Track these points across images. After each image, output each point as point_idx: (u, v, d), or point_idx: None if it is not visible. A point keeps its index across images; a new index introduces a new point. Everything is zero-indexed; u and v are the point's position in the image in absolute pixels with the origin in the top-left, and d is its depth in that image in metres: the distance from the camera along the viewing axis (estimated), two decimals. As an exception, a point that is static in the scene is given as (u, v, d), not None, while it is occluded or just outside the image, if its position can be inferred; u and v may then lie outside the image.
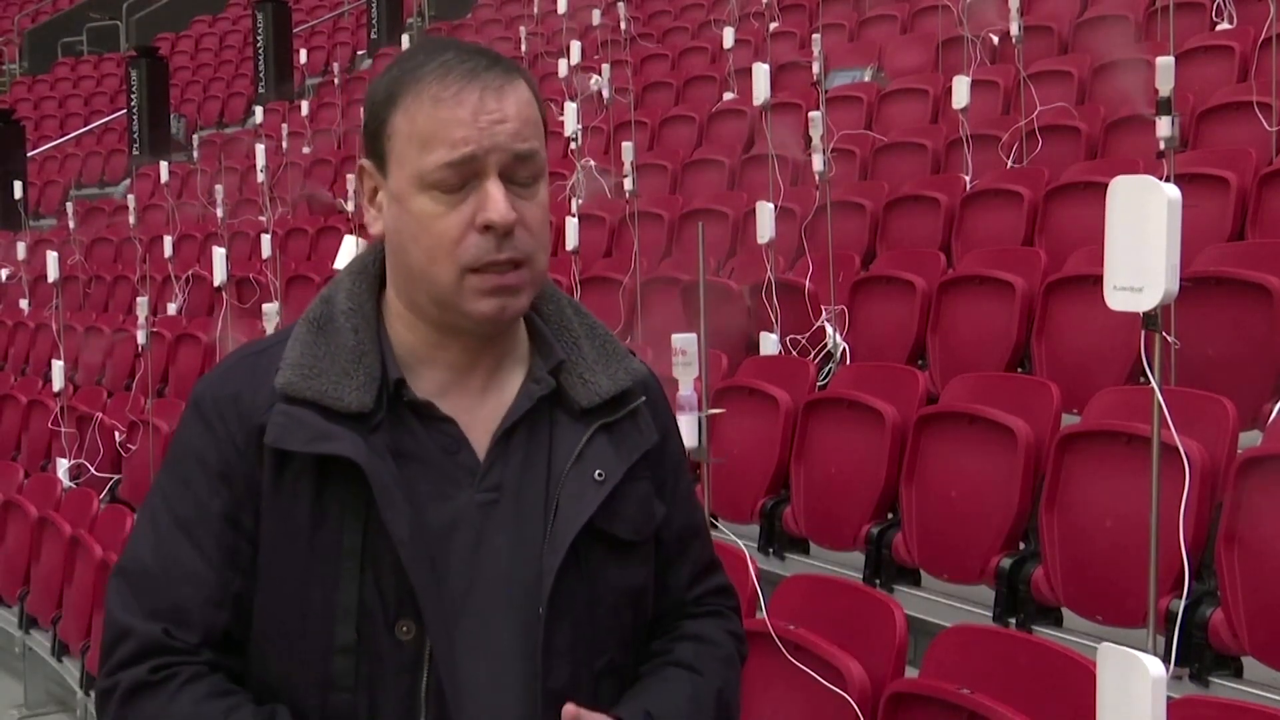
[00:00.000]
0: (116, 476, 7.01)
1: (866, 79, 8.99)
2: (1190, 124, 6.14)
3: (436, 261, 1.55)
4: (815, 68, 7.80)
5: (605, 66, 9.44)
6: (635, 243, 6.67)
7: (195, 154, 14.60)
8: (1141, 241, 2.87)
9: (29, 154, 16.00)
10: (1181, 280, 2.90)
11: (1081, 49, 7.83)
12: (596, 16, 11.78)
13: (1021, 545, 4.00)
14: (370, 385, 1.58)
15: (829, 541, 4.64)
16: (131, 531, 1.69)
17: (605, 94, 9.32)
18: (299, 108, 14.00)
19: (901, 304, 5.51)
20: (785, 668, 2.98)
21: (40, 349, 9.54)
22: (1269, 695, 3.28)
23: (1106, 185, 2.99)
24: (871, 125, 8.18)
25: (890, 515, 4.42)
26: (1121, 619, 3.57)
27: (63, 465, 7.00)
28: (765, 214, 5.83)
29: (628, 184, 6.90)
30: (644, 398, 1.70)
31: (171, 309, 9.46)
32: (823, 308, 5.59)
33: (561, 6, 11.76)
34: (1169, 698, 1.80)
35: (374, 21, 16.44)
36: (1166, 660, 2.11)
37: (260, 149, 9.94)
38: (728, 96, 9.63)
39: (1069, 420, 4.22)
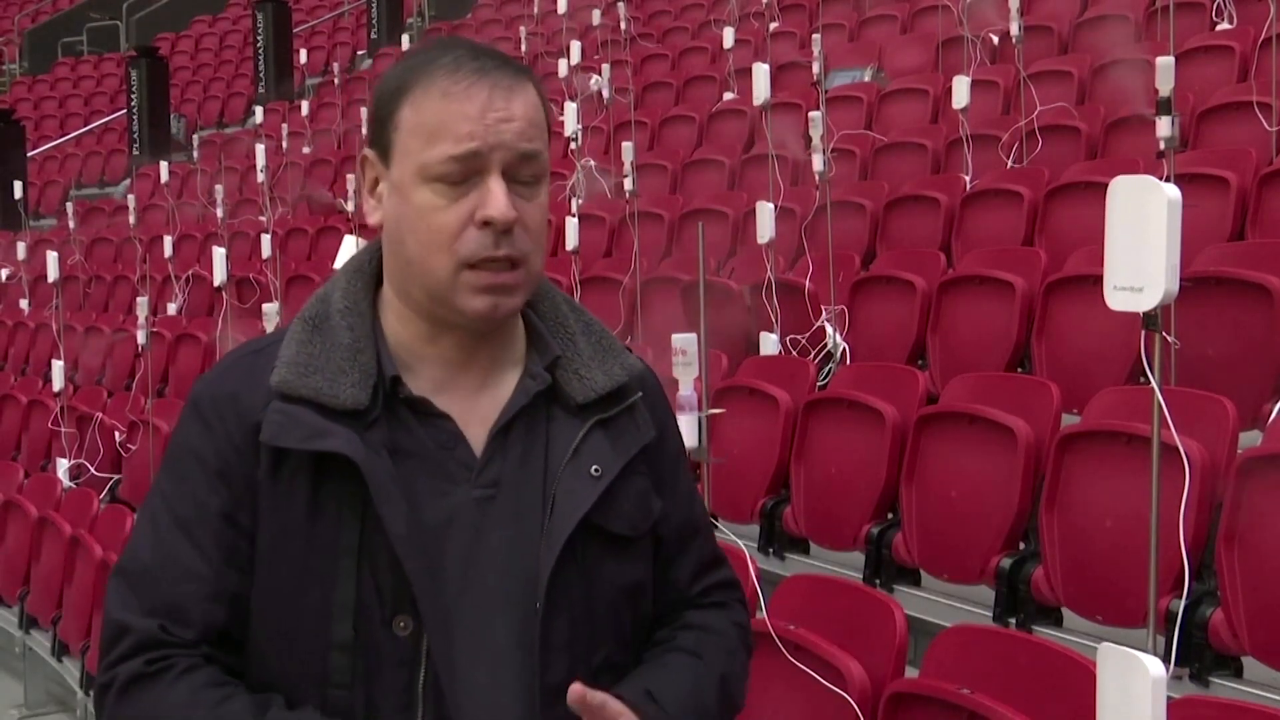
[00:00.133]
0: (116, 476, 7.01)
1: (866, 79, 8.99)
2: (1190, 124, 6.14)
3: (433, 254, 1.56)
4: (815, 68, 7.79)
5: (605, 66, 9.44)
6: (635, 243, 6.67)
7: (195, 154, 14.60)
8: (1141, 241, 2.87)
9: (29, 154, 16.00)
10: (1181, 280, 2.90)
11: (1081, 49, 7.83)
12: (596, 16, 11.78)
13: (1021, 545, 4.00)
14: (366, 382, 1.58)
15: (829, 541, 4.64)
16: (131, 531, 1.69)
17: (605, 94, 9.32)
18: (299, 108, 14.00)
19: (901, 304, 5.51)
20: (785, 668, 2.98)
21: (40, 349, 9.54)
22: (1269, 695, 3.28)
23: (1106, 185, 3.00)
24: (871, 125, 8.17)
25: (890, 515, 4.42)
26: (1121, 619, 3.57)
27: (63, 465, 7.00)
28: (765, 214, 5.83)
29: (628, 184, 6.90)
30: (640, 393, 1.70)
31: (171, 309, 9.45)
32: (823, 308, 5.59)
33: (561, 6, 11.76)
34: (1169, 698, 1.80)
35: (374, 21, 16.44)
36: (1166, 660, 2.11)
37: (260, 149, 9.94)
38: (728, 96, 9.63)
39: (1069, 420, 4.22)
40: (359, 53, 16.73)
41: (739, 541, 3.58)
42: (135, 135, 15.17)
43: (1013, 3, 7.52)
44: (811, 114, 6.17)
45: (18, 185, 12.70)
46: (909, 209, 6.54)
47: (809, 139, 6.15)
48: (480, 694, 1.56)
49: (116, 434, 7.14)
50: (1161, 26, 6.60)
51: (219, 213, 9.73)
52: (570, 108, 8.12)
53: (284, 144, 12.40)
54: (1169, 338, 3.96)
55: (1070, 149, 6.58)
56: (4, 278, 11.46)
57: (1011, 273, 5.19)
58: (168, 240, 10.00)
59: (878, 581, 4.32)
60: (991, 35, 8.27)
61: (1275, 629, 3.30)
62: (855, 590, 3.38)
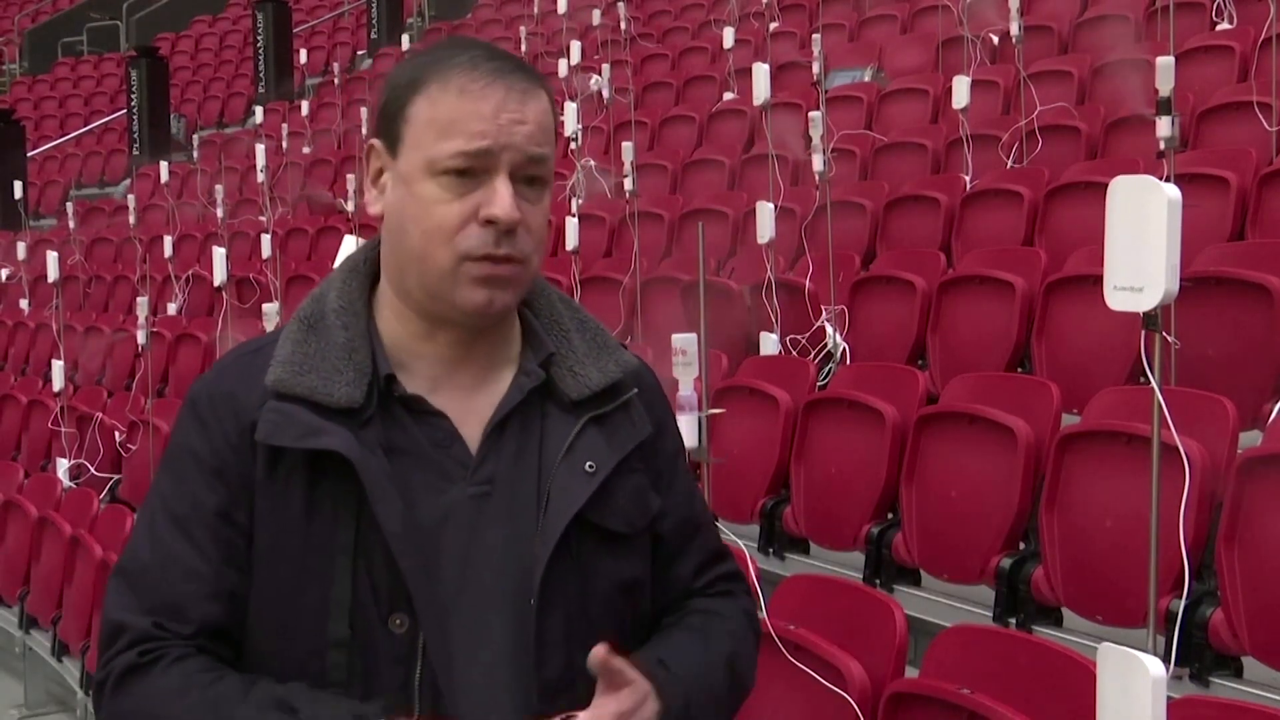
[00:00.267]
0: (116, 476, 7.01)
1: (866, 79, 8.99)
2: (1190, 124, 6.14)
3: (434, 245, 1.57)
4: (815, 68, 7.79)
5: (605, 66, 9.44)
6: (635, 243, 6.67)
7: (195, 154, 14.60)
8: (1141, 241, 2.87)
9: (29, 154, 16.00)
10: (1181, 280, 2.90)
11: (1081, 49, 7.83)
12: (596, 16, 11.78)
13: (1021, 545, 4.00)
14: (360, 381, 1.59)
15: (829, 541, 4.64)
16: (131, 531, 1.70)
17: (605, 94, 9.32)
18: (299, 108, 14.00)
19: (901, 304, 5.51)
20: (785, 668, 2.98)
21: (40, 349, 9.54)
22: (1269, 695, 3.28)
23: (1106, 185, 2.99)
24: (871, 125, 8.17)
25: (890, 515, 4.42)
26: (1121, 619, 3.57)
27: (63, 465, 7.00)
28: (765, 214, 5.82)
29: (628, 184, 6.90)
30: (636, 390, 1.71)
31: (171, 309, 9.45)
32: (823, 308, 5.59)
33: (561, 6, 11.76)
34: (1169, 698, 1.79)
35: (374, 21, 16.44)
36: (1166, 660, 2.11)
37: (260, 149, 9.94)
38: (728, 96, 9.63)
39: (1069, 420, 4.22)
40: (359, 53, 16.73)
41: (739, 541, 3.57)
42: (135, 135, 15.18)
43: (1013, 3, 7.52)
44: (811, 114, 6.17)
45: (18, 185, 12.70)
46: (909, 209, 6.54)
47: (809, 139, 6.15)
48: (476, 690, 1.57)
49: (116, 434, 7.13)
50: (1161, 26, 6.60)
51: (219, 213, 9.73)
52: (570, 108, 8.11)
53: (284, 144, 12.40)
54: (1169, 338, 3.95)
55: (1070, 149, 6.58)
56: (4, 278, 11.46)
57: (1011, 273, 5.19)
58: (168, 240, 9.99)
59: (878, 581, 4.32)
60: (991, 35, 8.26)
61: (1275, 629, 3.30)
62: (855, 590, 3.38)
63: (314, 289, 1.70)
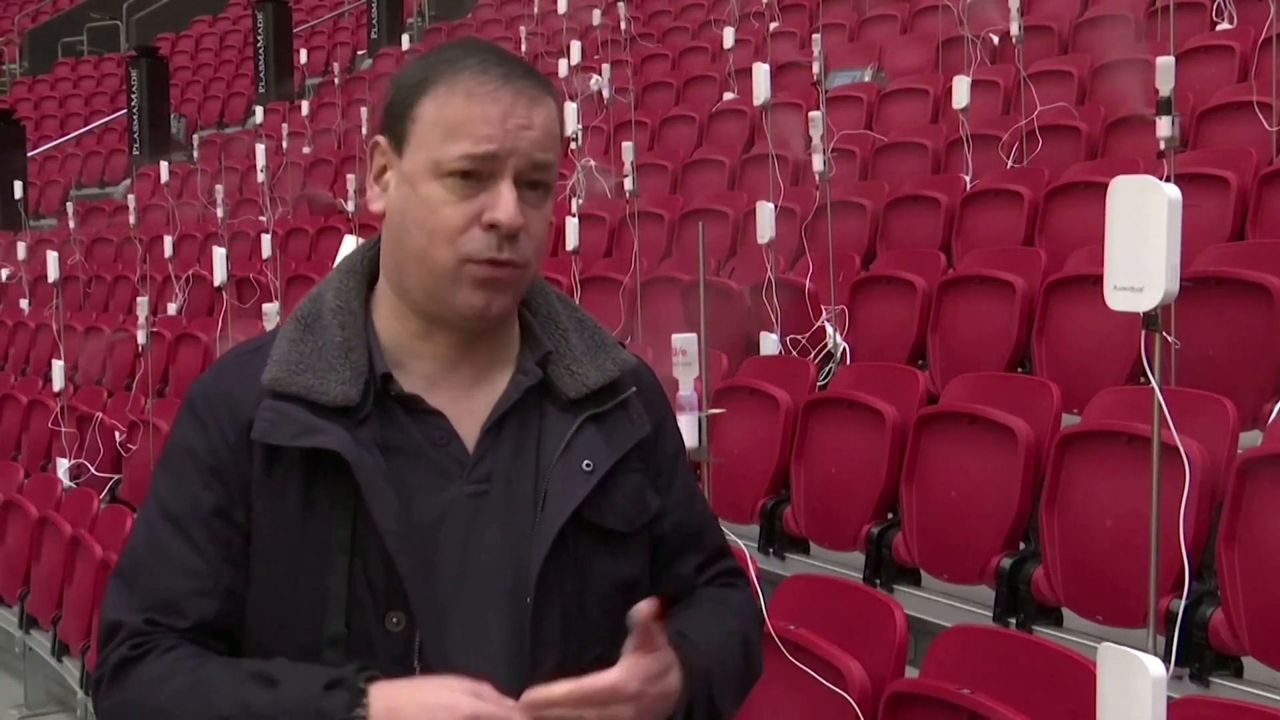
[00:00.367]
0: (116, 476, 7.01)
1: (866, 79, 8.99)
2: (1190, 124, 6.13)
3: (436, 246, 1.58)
4: (815, 68, 7.79)
5: (605, 66, 9.44)
6: (635, 243, 6.67)
7: (195, 154, 14.60)
8: (1141, 241, 2.87)
9: (29, 154, 16.00)
10: (1181, 280, 2.90)
11: (1081, 49, 7.83)
12: (596, 16, 11.78)
13: (1021, 545, 4.00)
14: (356, 379, 1.59)
15: (829, 541, 4.64)
16: (129, 531, 1.70)
17: (605, 94, 9.32)
18: (299, 108, 14.00)
19: (901, 304, 5.51)
20: (785, 668, 2.98)
21: (40, 349, 9.54)
22: (1269, 695, 3.28)
23: (1106, 185, 2.99)
24: (871, 125, 8.17)
25: (890, 515, 4.42)
26: (1121, 619, 3.57)
27: (63, 465, 7.00)
28: (765, 214, 5.82)
29: (628, 184, 6.90)
30: (634, 388, 1.71)
31: (171, 309, 9.45)
32: (823, 308, 5.59)
33: (561, 6, 11.76)
34: (1169, 698, 1.80)
35: (374, 21, 16.44)
36: (1166, 660, 2.11)
37: (260, 149, 9.95)
38: (728, 96, 9.63)
39: (1069, 420, 4.22)
40: (359, 53, 16.73)
41: (739, 541, 3.56)
42: (135, 135, 15.18)
43: (1013, 3, 7.51)
44: (811, 114, 6.16)
45: (18, 185, 12.70)
46: (909, 209, 6.54)
47: (809, 139, 6.15)
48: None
49: (116, 434, 7.13)
50: (1161, 26, 6.60)
51: (219, 213, 9.73)
52: (570, 108, 8.11)
53: (284, 144, 12.40)
54: (1169, 338, 3.95)
55: (1070, 149, 6.58)
56: (4, 278, 11.46)
57: (1011, 273, 5.19)
58: (168, 240, 9.99)
59: (878, 581, 4.32)
60: (991, 35, 8.26)
61: (1275, 629, 3.30)
62: (855, 590, 3.39)
63: (312, 289, 1.70)
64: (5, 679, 6.48)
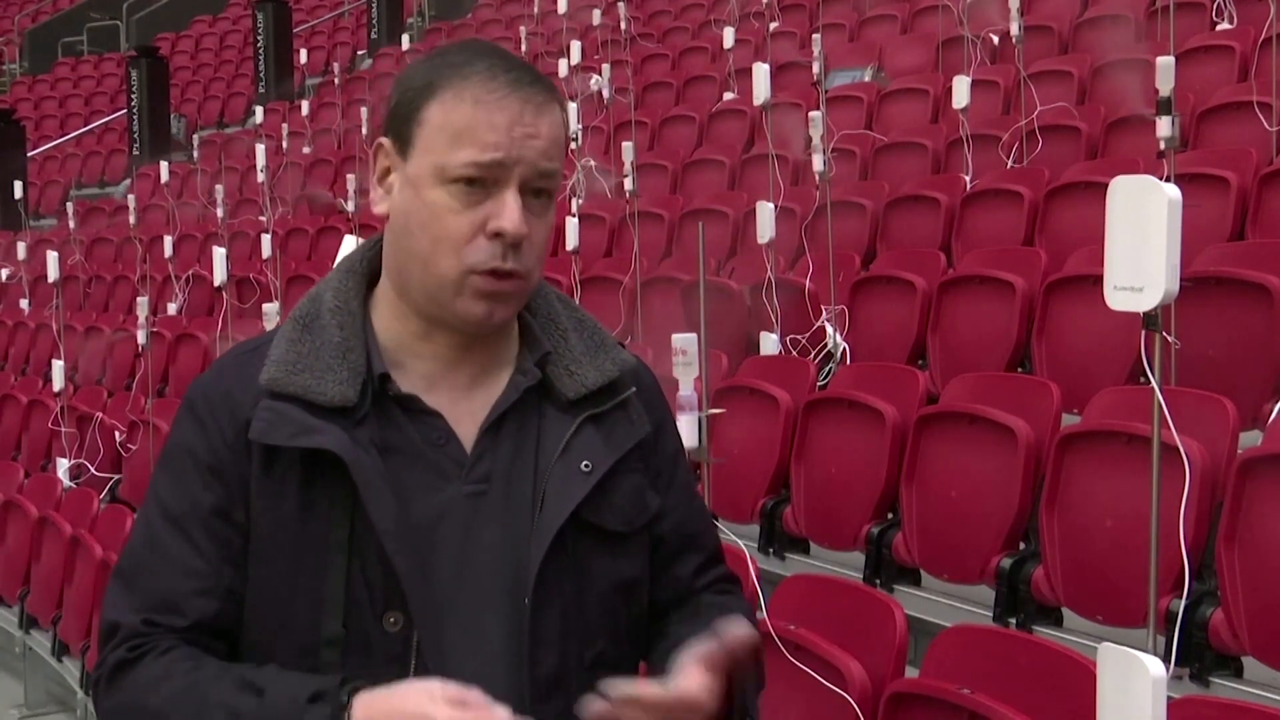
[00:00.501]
0: (116, 476, 7.01)
1: (866, 79, 8.99)
2: (1190, 124, 6.13)
3: (441, 253, 1.57)
4: (815, 68, 7.79)
5: (605, 66, 9.44)
6: (635, 243, 6.67)
7: (195, 154, 14.60)
8: (1141, 241, 2.87)
9: (29, 154, 16.00)
10: (1181, 280, 2.90)
11: (1081, 49, 7.83)
12: (596, 16, 11.78)
13: (1021, 545, 4.00)
14: (354, 380, 1.59)
15: (829, 541, 4.64)
16: (129, 531, 1.71)
17: (605, 94, 9.32)
18: (299, 108, 14.00)
19: (901, 304, 5.51)
20: (785, 668, 2.98)
21: (40, 349, 9.54)
22: (1269, 695, 3.28)
23: (1106, 185, 3.00)
24: (871, 125, 8.17)
25: (890, 515, 4.42)
26: (1121, 619, 3.57)
27: (63, 465, 7.00)
28: (765, 214, 5.82)
29: (628, 184, 6.90)
30: (634, 389, 1.70)
31: (171, 309, 9.45)
32: (823, 308, 5.59)
33: (561, 6, 11.76)
34: (1169, 698, 1.80)
35: (374, 21, 16.44)
36: (1166, 660, 2.11)
37: (260, 149, 9.94)
38: (728, 96, 9.63)
39: (1069, 420, 4.22)
40: (359, 53, 16.73)
41: (739, 541, 3.57)
42: (135, 135, 15.18)
43: (1013, 3, 7.51)
44: (811, 114, 6.16)
45: (18, 185, 12.70)
46: (909, 209, 6.54)
47: (809, 139, 6.15)
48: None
49: (116, 434, 7.14)
50: (1161, 26, 6.60)
51: (219, 213, 9.73)
52: (570, 108, 8.11)
53: (284, 144, 12.40)
54: (1169, 338, 3.95)
55: (1070, 149, 6.58)
56: (4, 278, 11.46)
57: (1011, 273, 5.19)
58: (168, 240, 9.99)
59: (878, 581, 4.32)
60: (991, 35, 8.26)
61: (1275, 629, 3.30)
62: (855, 590, 3.38)
63: (311, 289, 1.70)
64: (5, 679, 6.48)
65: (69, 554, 5.77)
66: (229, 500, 1.59)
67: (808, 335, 5.61)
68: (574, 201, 7.65)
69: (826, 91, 7.22)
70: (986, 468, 4.07)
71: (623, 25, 11.40)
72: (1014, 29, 7.52)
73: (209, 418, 1.61)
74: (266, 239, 8.79)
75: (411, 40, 15.22)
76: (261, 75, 15.90)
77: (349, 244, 7.95)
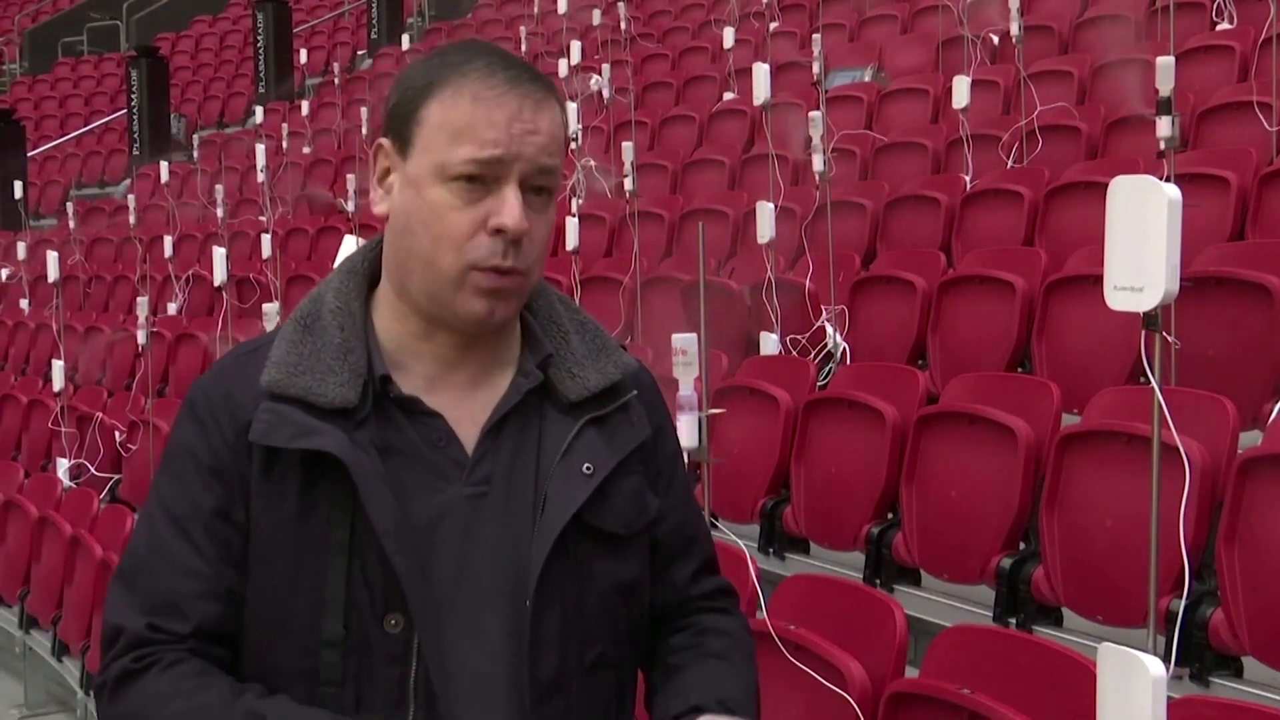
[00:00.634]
0: (116, 476, 7.01)
1: (866, 79, 8.99)
2: (1190, 124, 6.14)
3: (443, 252, 1.57)
4: (815, 68, 7.79)
5: (605, 66, 9.45)
6: (635, 243, 6.67)
7: (195, 154, 14.60)
8: (1142, 241, 2.87)
9: (29, 154, 16.00)
10: (1181, 280, 2.90)
11: (1081, 49, 7.83)
12: (596, 16, 11.78)
13: (1021, 545, 4.00)
14: (355, 381, 1.59)
15: (829, 541, 4.64)
16: (131, 532, 1.70)
17: (605, 94, 9.32)
18: (299, 108, 14.01)
19: (901, 304, 5.51)
20: (785, 668, 2.98)
21: (40, 349, 9.54)
22: (1269, 695, 3.28)
23: (1106, 185, 2.99)
24: (871, 125, 8.17)
25: (890, 515, 4.42)
26: (1122, 619, 3.57)
27: (63, 465, 7.00)
28: (765, 214, 5.82)
29: (628, 184, 6.90)
30: (635, 391, 1.71)
31: (171, 309, 9.46)
32: (823, 308, 5.59)
33: (561, 6, 11.76)
34: (1169, 698, 1.79)
35: (374, 21, 16.44)
36: (1167, 660, 2.10)
37: (260, 149, 9.94)
38: (728, 96, 9.63)
39: (1069, 420, 4.22)
40: (359, 53, 16.73)
41: (739, 541, 3.57)
42: (135, 135, 15.18)
43: (1013, 3, 7.52)
44: (811, 114, 6.17)
45: (18, 185, 12.70)
46: (909, 209, 6.54)
47: (809, 139, 6.15)
48: (471, 690, 1.57)
49: (116, 434, 7.14)
50: (1161, 26, 6.60)
51: (219, 213, 9.73)
52: (570, 108, 8.11)
53: (284, 144, 12.41)
54: (1169, 338, 3.95)
55: (1070, 149, 6.58)
56: (4, 278, 11.46)
57: (1011, 273, 5.19)
58: (168, 240, 10.00)
59: (878, 581, 4.32)
60: (991, 35, 8.27)
61: (1275, 629, 3.30)
62: (855, 590, 3.38)
63: (312, 290, 1.70)
64: (5, 679, 6.48)
65: (69, 554, 5.77)
66: (229, 501, 1.59)
67: (808, 335, 5.61)
68: (574, 201, 7.66)
69: (826, 91, 7.22)
70: (986, 468, 4.07)
71: (623, 25, 11.40)
72: (1014, 29, 7.52)
73: (209, 419, 1.61)
74: (266, 239, 8.79)
75: (411, 40, 15.22)
76: (261, 75, 15.91)
77: (349, 244, 7.95)
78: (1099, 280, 3.04)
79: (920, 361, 5.40)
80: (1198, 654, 3.40)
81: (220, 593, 1.59)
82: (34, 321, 10.00)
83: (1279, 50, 5.68)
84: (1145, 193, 2.88)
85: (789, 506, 4.73)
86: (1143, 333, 3.08)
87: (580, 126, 8.24)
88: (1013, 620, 3.89)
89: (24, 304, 10.74)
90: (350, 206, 8.78)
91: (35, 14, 22.25)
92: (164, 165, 12.31)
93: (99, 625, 1.65)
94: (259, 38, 15.96)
